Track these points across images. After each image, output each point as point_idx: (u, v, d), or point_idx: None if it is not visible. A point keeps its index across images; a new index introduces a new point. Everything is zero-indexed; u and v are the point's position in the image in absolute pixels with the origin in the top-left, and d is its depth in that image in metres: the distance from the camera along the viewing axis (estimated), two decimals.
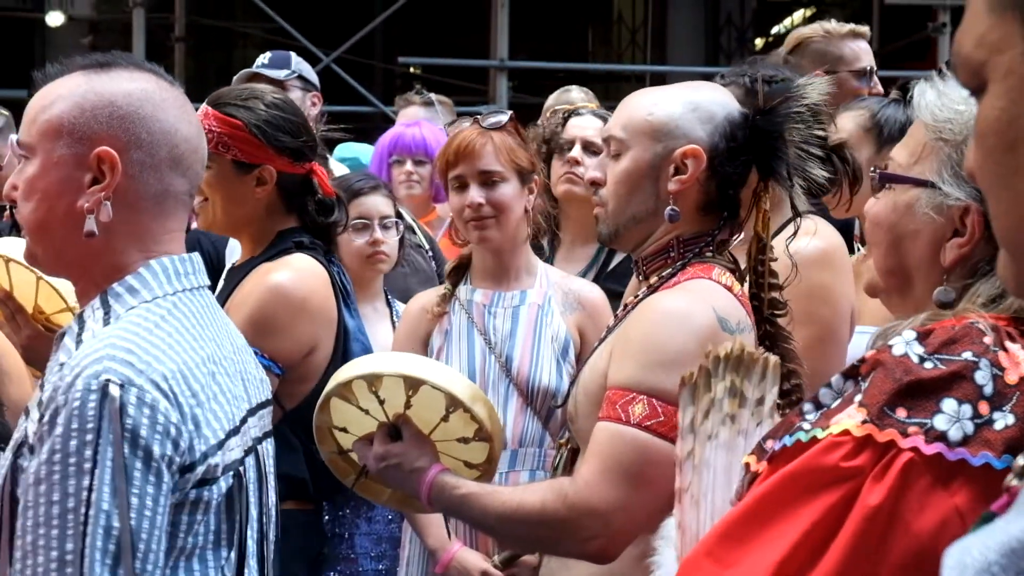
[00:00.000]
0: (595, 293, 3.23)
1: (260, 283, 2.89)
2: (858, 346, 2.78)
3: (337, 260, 3.12)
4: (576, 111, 4.04)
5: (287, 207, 2.99)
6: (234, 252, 3.96)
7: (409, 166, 4.69)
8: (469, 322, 3.10)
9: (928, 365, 1.46)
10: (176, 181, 1.79)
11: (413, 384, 2.35)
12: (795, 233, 2.37)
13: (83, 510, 1.58)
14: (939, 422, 1.42)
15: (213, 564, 1.74)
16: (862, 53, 4.13)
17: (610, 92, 11.44)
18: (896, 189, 1.70)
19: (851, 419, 1.44)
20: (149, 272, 1.76)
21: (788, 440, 1.48)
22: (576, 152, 3.85)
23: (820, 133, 2.48)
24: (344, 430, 2.47)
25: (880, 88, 4.11)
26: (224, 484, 1.73)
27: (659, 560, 1.82)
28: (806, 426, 1.49)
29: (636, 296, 2.32)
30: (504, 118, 3.15)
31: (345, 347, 3.00)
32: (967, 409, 1.43)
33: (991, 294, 1.58)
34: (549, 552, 2.38)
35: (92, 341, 1.68)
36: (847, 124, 3.46)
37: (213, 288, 1.95)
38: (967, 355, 1.46)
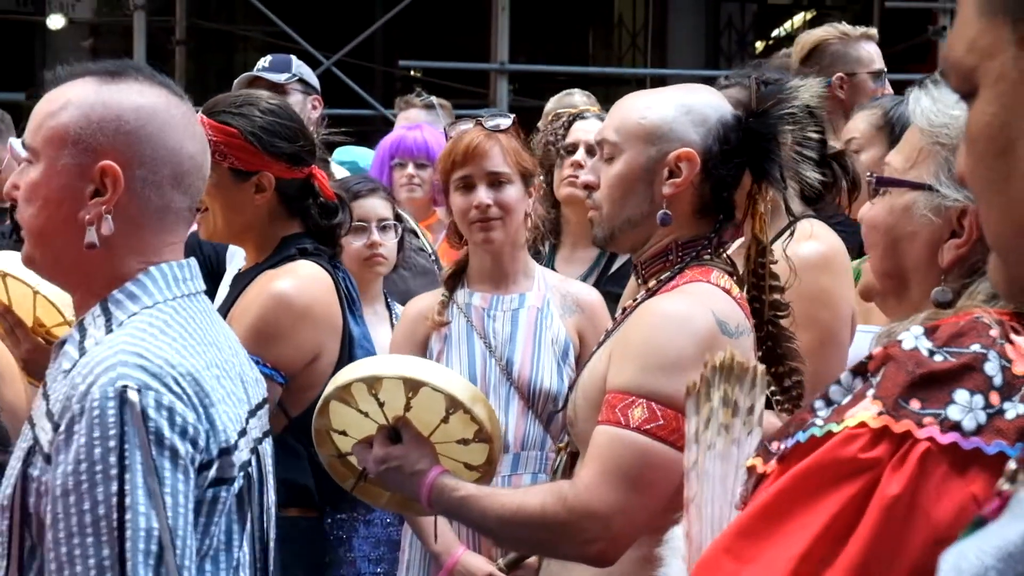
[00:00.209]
0: (592, 296, 3.23)
1: (263, 291, 2.88)
2: (860, 346, 2.78)
3: (342, 265, 3.11)
4: (580, 115, 4.04)
5: (289, 212, 2.98)
6: (235, 256, 3.96)
7: (411, 169, 4.69)
8: (468, 326, 3.10)
9: (938, 358, 1.48)
10: (177, 198, 1.80)
11: (413, 386, 2.35)
12: (791, 235, 2.38)
13: (115, 515, 1.60)
14: (952, 412, 1.44)
15: (225, 565, 1.76)
16: (875, 55, 4.16)
17: (611, 95, 11.41)
18: (892, 193, 1.72)
19: (867, 412, 1.46)
20: (149, 279, 1.77)
21: (802, 436, 1.49)
22: (580, 156, 3.85)
23: (814, 135, 2.49)
24: (343, 433, 2.47)
25: (890, 89, 4.12)
26: (238, 484, 1.76)
27: (666, 572, 1.82)
28: (819, 422, 1.50)
29: (635, 299, 2.32)
30: (507, 121, 3.16)
31: (350, 354, 2.99)
32: (979, 399, 1.45)
33: (990, 292, 1.60)
34: (549, 555, 2.38)
35: (100, 348, 1.69)
36: (860, 124, 3.47)
37: (211, 293, 1.96)
38: (975, 347, 1.48)
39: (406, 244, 3.86)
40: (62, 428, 1.64)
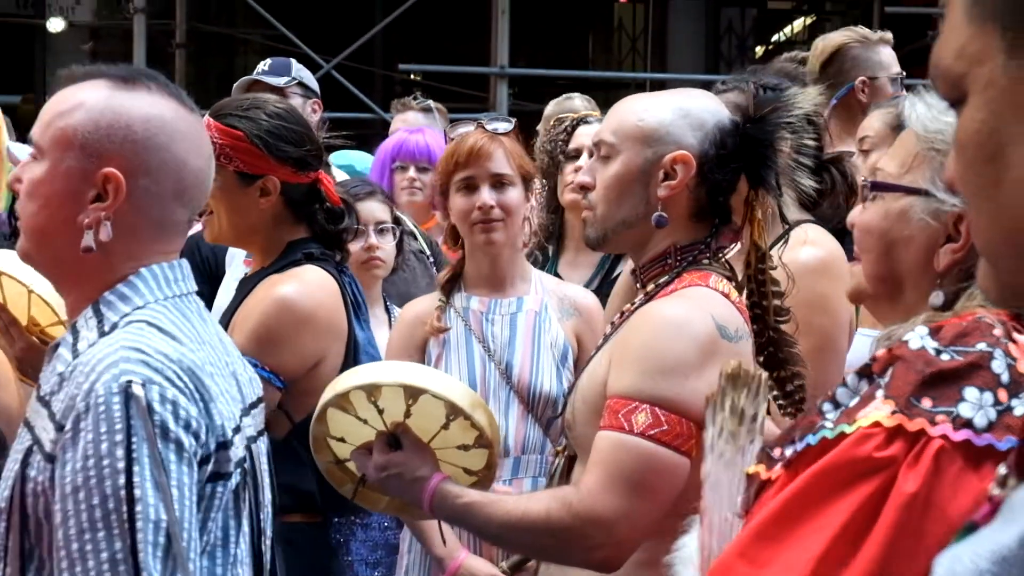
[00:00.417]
0: (589, 299, 3.22)
1: (266, 296, 2.87)
2: (859, 349, 2.78)
3: (348, 270, 3.10)
4: (583, 120, 4.03)
5: (295, 217, 2.96)
6: (234, 259, 3.96)
7: (412, 172, 4.67)
8: (467, 330, 3.09)
9: (945, 357, 1.49)
10: (177, 210, 1.82)
11: (413, 393, 2.35)
12: (785, 243, 2.38)
13: (124, 508, 1.61)
14: (964, 410, 1.45)
15: (222, 561, 1.77)
16: (893, 59, 4.18)
17: (611, 100, 11.41)
18: (887, 197, 1.73)
19: (879, 411, 1.46)
20: (139, 280, 1.78)
21: (812, 439, 1.49)
22: (583, 161, 3.84)
23: (812, 143, 2.49)
24: (342, 440, 2.47)
25: (906, 93, 4.14)
26: (234, 480, 1.77)
27: None
28: (829, 424, 1.50)
29: (633, 303, 2.32)
30: (509, 125, 3.15)
31: (355, 359, 2.97)
32: (988, 396, 1.46)
33: None
34: (553, 561, 2.37)
35: (99, 346, 1.70)
36: (875, 123, 3.47)
37: (203, 295, 1.97)
38: (981, 346, 1.49)
39: (405, 247, 3.85)
40: (68, 427, 1.65)
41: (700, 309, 2.20)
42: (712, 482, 1.79)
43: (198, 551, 1.67)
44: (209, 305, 3.48)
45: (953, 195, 1.65)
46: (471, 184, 3.06)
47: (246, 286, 3.00)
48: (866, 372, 1.54)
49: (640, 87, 13.14)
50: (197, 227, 3.54)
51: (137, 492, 1.61)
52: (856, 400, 1.51)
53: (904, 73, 4.21)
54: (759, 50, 15.82)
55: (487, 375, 3.06)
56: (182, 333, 1.76)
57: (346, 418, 2.41)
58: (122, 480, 1.61)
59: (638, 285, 2.35)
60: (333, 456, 2.51)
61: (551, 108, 5.24)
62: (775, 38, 16.89)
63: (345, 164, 5.11)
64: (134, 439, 1.62)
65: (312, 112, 4.86)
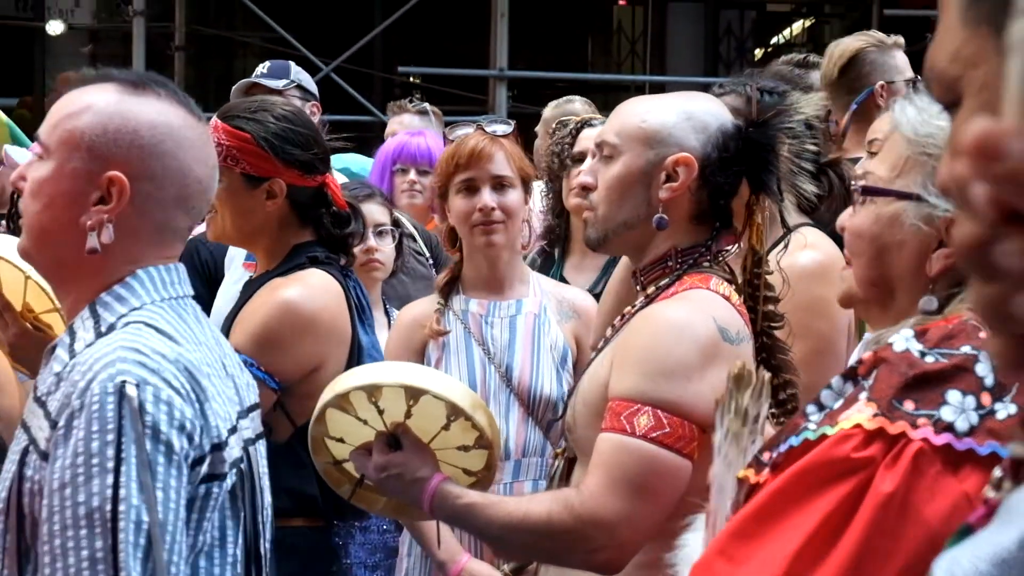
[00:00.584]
0: (588, 301, 3.22)
1: (269, 298, 2.86)
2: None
3: (354, 274, 3.09)
4: (587, 123, 4.03)
5: (301, 220, 2.95)
6: (233, 261, 3.96)
7: (413, 175, 4.66)
8: (466, 333, 3.09)
9: (930, 359, 1.49)
10: (179, 217, 1.84)
11: (414, 394, 2.35)
12: (785, 247, 2.38)
13: (109, 507, 1.61)
14: (946, 413, 1.45)
15: (219, 562, 1.77)
16: (907, 63, 4.19)
17: (610, 102, 11.43)
18: (878, 202, 1.72)
19: (861, 414, 1.46)
20: (136, 281, 1.80)
21: (795, 440, 1.50)
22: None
23: (813, 148, 2.49)
24: (340, 440, 2.47)
25: None
26: (230, 481, 1.77)
27: None
28: (812, 426, 1.50)
29: (634, 306, 2.32)
30: (508, 127, 3.15)
31: (358, 363, 2.95)
32: (971, 400, 1.46)
33: None
34: (554, 563, 2.37)
35: (97, 346, 1.71)
36: (884, 125, 3.47)
37: (202, 298, 1.98)
38: (966, 348, 1.49)
39: (404, 249, 3.85)
40: (61, 424, 1.66)
41: (702, 312, 2.20)
42: (718, 484, 1.79)
43: (183, 554, 1.67)
44: (208, 308, 3.48)
45: (945, 200, 1.65)
46: (471, 186, 3.05)
47: (250, 289, 2.99)
48: (851, 375, 1.55)
49: (639, 89, 13.14)
50: (197, 229, 3.54)
51: (122, 492, 1.62)
52: (840, 402, 1.52)
53: (918, 76, 4.22)
54: (758, 52, 15.81)
55: (487, 378, 3.06)
56: (179, 334, 1.77)
57: (346, 418, 2.41)
58: (110, 480, 1.62)
59: (638, 288, 2.35)
60: (331, 457, 2.51)
61: (550, 110, 5.24)
62: (774, 40, 16.88)
63: (341, 167, 5.10)
64: (124, 439, 1.63)
65: (311, 115, 4.86)
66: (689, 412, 2.12)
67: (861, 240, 1.74)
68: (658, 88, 11.89)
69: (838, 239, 3.04)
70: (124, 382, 1.65)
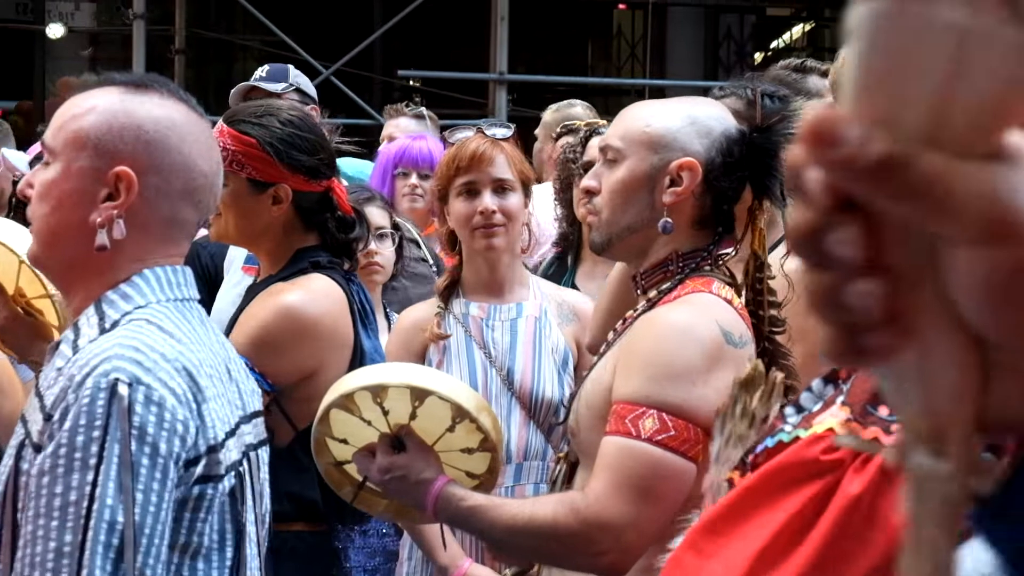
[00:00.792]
0: (588, 305, 3.21)
1: (270, 302, 2.86)
2: None
3: (357, 279, 3.09)
4: (596, 131, 4.01)
5: (306, 225, 2.94)
6: (232, 263, 3.96)
7: (414, 179, 4.66)
8: (467, 336, 3.09)
9: None
10: (187, 211, 1.84)
11: (420, 395, 2.34)
12: (788, 252, 2.37)
13: (84, 504, 1.61)
14: None
15: (218, 564, 1.77)
16: None
17: (610, 106, 11.45)
18: None
19: (834, 418, 1.46)
20: (142, 279, 1.81)
21: (770, 441, 1.50)
22: None
23: None
24: (344, 441, 2.46)
25: None
26: (227, 483, 1.77)
27: None
28: (788, 428, 1.50)
29: (635, 310, 2.32)
30: (508, 131, 3.15)
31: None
32: None
33: None
34: (559, 566, 2.37)
35: (98, 343, 1.72)
36: None
37: (203, 302, 1.98)
38: None
39: (405, 253, 3.85)
40: (55, 417, 1.67)
41: (705, 315, 2.20)
42: (715, 489, 1.79)
43: (161, 558, 1.67)
44: (208, 311, 3.48)
45: None
46: (472, 189, 3.05)
47: (253, 293, 2.99)
48: (832, 378, 1.54)
49: (639, 93, 13.15)
50: (199, 233, 3.54)
51: (98, 490, 1.62)
52: (819, 405, 1.52)
53: None
54: (758, 56, 15.83)
55: (489, 381, 3.05)
56: (182, 333, 1.78)
57: (350, 419, 2.41)
58: (90, 476, 1.62)
59: (638, 292, 2.35)
60: (333, 458, 2.51)
61: (550, 114, 5.25)
62: (774, 44, 16.90)
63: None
64: (107, 438, 1.64)
65: None
66: (694, 415, 2.12)
67: None
68: (658, 92, 11.90)
69: None
70: (117, 380, 1.66)
